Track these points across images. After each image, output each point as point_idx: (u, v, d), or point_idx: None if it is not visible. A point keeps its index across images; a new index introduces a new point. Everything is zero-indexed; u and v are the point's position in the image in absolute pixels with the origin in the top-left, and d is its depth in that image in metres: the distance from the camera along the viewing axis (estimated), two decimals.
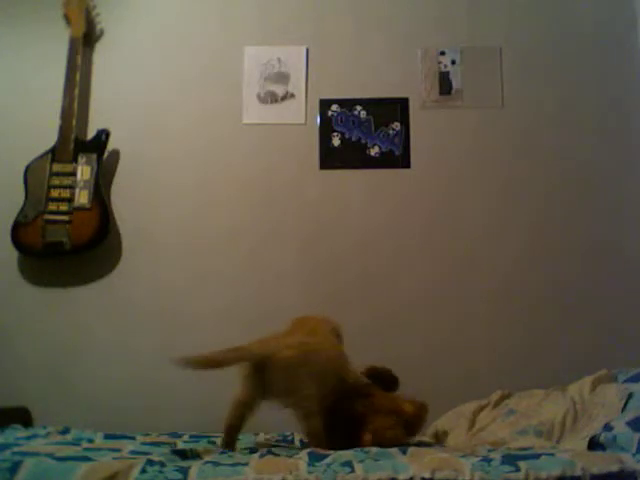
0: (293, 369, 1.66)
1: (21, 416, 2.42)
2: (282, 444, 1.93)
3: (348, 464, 1.33)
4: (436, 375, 2.52)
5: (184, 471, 1.27)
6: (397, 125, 2.76)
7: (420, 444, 1.89)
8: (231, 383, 1.69)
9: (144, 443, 1.81)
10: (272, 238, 2.68)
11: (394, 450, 1.58)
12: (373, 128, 2.76)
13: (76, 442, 1.83)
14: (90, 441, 1.89)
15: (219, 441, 1.75)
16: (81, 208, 2.60)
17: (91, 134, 2.72)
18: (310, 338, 1.80)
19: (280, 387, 1.67)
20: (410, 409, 1.83)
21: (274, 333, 1.78)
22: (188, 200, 2.72)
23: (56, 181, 2.62)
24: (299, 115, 2.79)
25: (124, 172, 2.75)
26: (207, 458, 1.47)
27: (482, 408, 2.21)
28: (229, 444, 1.68)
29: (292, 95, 2.80)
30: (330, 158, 2.75)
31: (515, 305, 2.59)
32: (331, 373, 1.79)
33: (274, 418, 1.73)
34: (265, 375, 1.65)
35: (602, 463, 1.31)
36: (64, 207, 2.59)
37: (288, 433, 2.11)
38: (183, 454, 1.50)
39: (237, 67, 2.82)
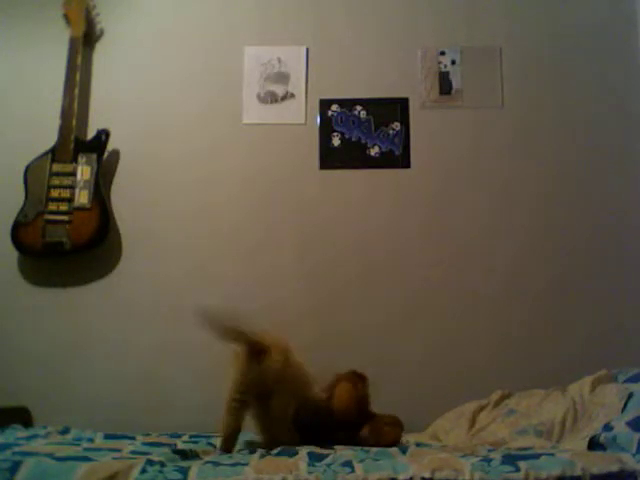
0: (286, 363, 1.73)
1: (21, 416, 2.42)
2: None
3: (348, 464, 1.33)
4: (436, 375, 2.52)
5: (184, 471, 1.27)
6: (397, 125, 2.76)
7: (420, 444, 1.89)
8: None
9: (144, 443, 1.82)
10: (272, 238, 2.67)
11: (394, 450, 1.59)
12: (373, 128, 2.76)
13: (76, 442, 1.83)
14: (90, 441, 1.89)
15: (218, 443, 1.74)
16: (81, 208, 2.59)
17: (91, 134, 2.72)
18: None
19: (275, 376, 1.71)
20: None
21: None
22: (188, 200, 2.71)
23: (56, 181, 2.62)
24: (299, 115, 2.79)
25: (124, 172, 2.75)
26: (207, 458, 1.47)
27: (482, 408, 2.21)
28: (229, 450, 1.66)
29: (292, 95, 2.80)
30: (330, 158, 2.75)
31: (515, 305, 2.59)
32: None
33: None
34: (261, 364, 1.70)
35: (602, 463, 1.31)
36: (64, 207, 2.59)
37: None
38: (183, 454, 1.51)
39: (237, 67, 2.82)
